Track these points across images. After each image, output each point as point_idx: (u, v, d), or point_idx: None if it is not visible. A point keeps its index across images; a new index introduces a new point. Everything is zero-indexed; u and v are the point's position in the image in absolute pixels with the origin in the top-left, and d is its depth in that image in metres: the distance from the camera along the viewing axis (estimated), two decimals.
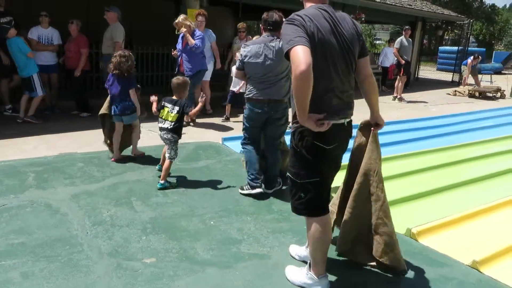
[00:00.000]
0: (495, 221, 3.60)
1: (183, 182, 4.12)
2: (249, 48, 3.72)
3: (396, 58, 10.87)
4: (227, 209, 3.58)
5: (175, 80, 4.07)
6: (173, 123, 3.94)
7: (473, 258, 2.86)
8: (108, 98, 4.50)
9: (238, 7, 10.68)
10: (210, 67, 7.00)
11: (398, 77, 10.47)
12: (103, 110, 4.53)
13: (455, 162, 5.17)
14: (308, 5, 2.30)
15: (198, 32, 6.24)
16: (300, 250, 2.84)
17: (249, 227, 3.27)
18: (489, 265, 2.86)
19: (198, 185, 4.06)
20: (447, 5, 27.42)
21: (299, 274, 2.55)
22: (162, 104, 4.04)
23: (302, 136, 2.24)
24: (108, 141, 4.66)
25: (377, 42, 42.75)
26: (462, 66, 13.91)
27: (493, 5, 39.31)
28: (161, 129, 4.01)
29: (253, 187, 3.83)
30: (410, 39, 10.73)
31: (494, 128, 7.57)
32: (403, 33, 10.64)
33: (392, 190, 4.07)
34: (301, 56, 1.94)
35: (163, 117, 4.01)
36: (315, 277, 2.44)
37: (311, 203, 2.34)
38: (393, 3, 13.27)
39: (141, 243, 2.93)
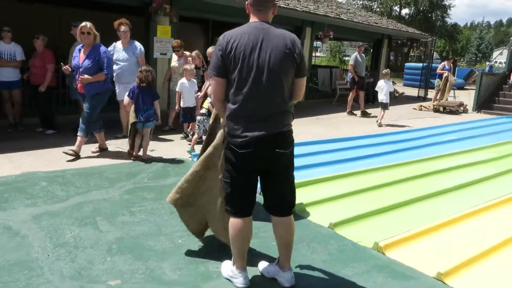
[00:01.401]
0: (460, 232, 3.69)
1: (151, 200, 4.04)
2: None
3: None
4: None
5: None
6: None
7: (438, 270, 2.91)
8: (133, 108, 5.23)
9: (208, 24, 10.76)
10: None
11: (351, 92, 10.69)
12: (133, 119, 5.23)
13: (421, 175, 5.29)
14: (250, 21, 2.50)
15: (103, 48, 5.20)
16: (269, 267, 2.82)
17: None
18: (454, 276, 2.92)
19: (167, 203, 3.98)
20: (412, 23, 28.48)
21: (226, 267, 2.78)
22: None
23: (226, 137, 2.56)
24: (132, 145, 5.40)
25: (346, 58, 43.85)
26: (436, 81, 14.00)
27: (455, 24, 41.09)
28: (202, 115, 5.68)
29: None
30: (364, 55, 11.02)
31: (458, 141, 7.82)
32: (357, 49, 10.92)
33: (360, 204, 4.17)
34: (213, 87, 2.50)
35: (205, 107, 5.61)
36: (236, 271, 2.66)
37: (227, 202, 2.62)
38: (360, 21, 13.66)
39: (106, 264, 2.84)
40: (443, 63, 13.79)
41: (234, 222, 2.58)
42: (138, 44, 6.26)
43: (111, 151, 5.71)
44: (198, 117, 5.83)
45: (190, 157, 5.59)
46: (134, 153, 5.40)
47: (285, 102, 2.47)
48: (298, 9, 11.05)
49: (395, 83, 13.16)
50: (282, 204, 2.62)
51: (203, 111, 5.69)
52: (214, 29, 15.99)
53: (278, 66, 2.38)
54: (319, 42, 13.70)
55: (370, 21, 14.90)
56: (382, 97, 9.36)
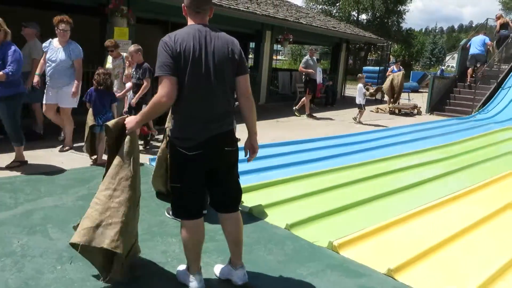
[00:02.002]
0: (410, 229, 3.84)
1: None
2: None
3: (321, 77, 11.64)
4: (152, 231, 3.48)
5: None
6: None
7: (388, 267, 3.01)
8: (90, 111, 5.16)
9: (167, 26, 10.64)
10: (71, 90, 5.60)
11: (305, 95, 10.92)
12: (91, 122, 5.14)
13: (375, 176, 5.46)
14: (188, 23, 2.50)
15: (13, 46, 4.55)
16: (223, 269, 2.84)
17: (174, 249, 3.20)
18: (403, 272, 3.03)
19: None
20: (369, 28, 29.33)
21: (181, 272, 2.75)
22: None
23: (171, 143, 2.51)
24: (89, 149, 5.29)
25: (316, 61, 44.62)
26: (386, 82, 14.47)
27: (410, 29, 42.67)
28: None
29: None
30: (315, 59, 11.28)
31: (412, 142, 8.13)
32: (308, 53, 11.18)
33: (317, 205, 4.25)
34: (166, 88, 2.32)
35: None
36: (190, 274, 2.65)
37: (175, 206, 2.62)
38: (319, 26, 13.95)
39: (56, 273, 2.74)
40: (391, 66, 14.32)
41: (188, 225, 2.57)
42: (76, 46, 5.72)
43: (67, 155, 5.54)
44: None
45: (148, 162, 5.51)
46: (95, 157, 5.32)
47: (230, 102, 2.54)
48: (258, 12, 11.14)
49: (369, 85, 13.51)
50: (231, 200, 2.68)
51: None
52: (173, 31, 15.87)
53: (222, 67, 2.43)
54: (281, 46, 13.84)
55: (329, 25, 15.24)
56: (358, 98, 10.22)
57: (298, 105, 10.97)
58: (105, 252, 2.55)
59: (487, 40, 13.74)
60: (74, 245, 2.48)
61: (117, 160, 2.53)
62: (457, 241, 3.64)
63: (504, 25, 14.49)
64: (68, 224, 3.47)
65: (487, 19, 16.34)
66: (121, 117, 2.64)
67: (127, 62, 6.37)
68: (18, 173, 4.67)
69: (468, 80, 13.86)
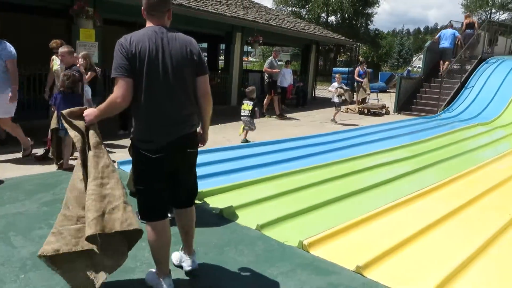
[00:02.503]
0: (378, 227, 3.92)
1: None
2: None
3: (292, 78, 11.91)
4: None
5: (247, 89, 7.91)
6: (249, 111, 7.44)
7: (357, 264, 3.07)
8: (55, 114, 4.99)
9: (134, 28, 10.50)
10: (4, 98, 5.14)
11: (268, 96, 11.05)
12: (54, 125, 5.02)
13: (344, 175, 5.54)
14: (146, 25, 2.52)
15: None
16: (176, 254, 2.98)
17: (144, 253, 3.15)
18: (372, 268, 3.09)
19: None
20: (338, 30, 29.79)
21: (150, 276, 2.74)
22: (243, 102, 7.69)
23: (134, 145, 2.53)
24: (55, 154, 5.18)
25: (279, 63, 44.91)
26: (356, 84, 14.78)
27: (378, 30, 43.59)
28: (243, 115, 7.48)
29: None
30: (277, 61, 11.46)
31: (380, 141, 8.30)
32: (272, 54, 11.32)
33: (287, 205, 4.27)
34: (121, 89, 2.34)
35: (244, 109, 7.52)
36: (159, 277, 2.64)
37: (141, 208, 2.61)
38: (289, 27, 14.07)
39: (19, 282, 2.66)
40: (357, 68, 14.58)
41: (155, 227, 2.55)
42: (8, 45, 5.19)
43: (31, 160, 5.38)
44: (243, 118, 7.55)
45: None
46: (60, 162, 5.19)
47: (192, 104, 2.55)
48: (227, 14, 11.13)
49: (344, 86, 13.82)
50: (189, 197, 2.80)
51: (246, 113, 7.48)
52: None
53: (181, 68, 2.45)
54: (251, 47, 13.87)
55: (298, 27, 15.40)
56: (334, 98, 10.75)
57: (264, 107, 11.04)
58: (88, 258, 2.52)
59: (457, 34, 14.24)
60: (90, 238, 2.39)
61: (91, 152, 2.51)
62: (423, 236, 3.74)
63: (470, 25, 15.00)
64: (32, 231, 3.38)
65: (450, 21, 16.88)
66: (78, 107, 2.62)
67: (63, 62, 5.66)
68: None
69: (441, 71, 14.35)
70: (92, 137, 2.50)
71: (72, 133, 2.53)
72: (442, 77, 13.90)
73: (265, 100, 11.04)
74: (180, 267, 2.94)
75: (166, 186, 2.60)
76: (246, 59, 13.57)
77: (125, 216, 2.41)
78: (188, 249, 2.88)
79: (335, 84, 11.07)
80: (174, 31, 2.51)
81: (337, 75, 11.85)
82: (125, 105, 2.38)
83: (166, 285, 2.61)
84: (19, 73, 5.46)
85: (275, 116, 10.92)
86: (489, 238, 3.71)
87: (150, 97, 2.39)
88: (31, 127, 6.34)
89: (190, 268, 2.86)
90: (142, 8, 2.52)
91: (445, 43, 14.07)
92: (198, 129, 2.71)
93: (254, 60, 42.83)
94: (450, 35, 14.07)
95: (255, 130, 7.64)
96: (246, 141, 7.43)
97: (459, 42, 14.26)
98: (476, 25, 15.08)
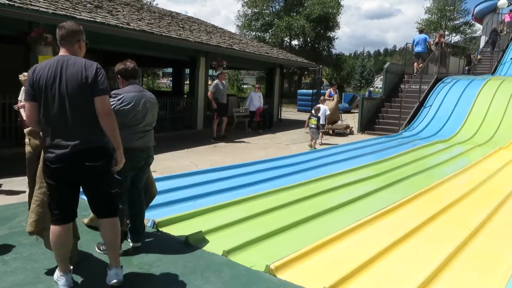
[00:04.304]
0: (344, 247, 3.94)
1: (29, 246, 3.66)
2: (123, 97, 3.56)
3: (262, 102, 12.15)
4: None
5: (314, 107, 10.44)
6: (315, 124, 9.90)
7: (324, 286, 3.05)
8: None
9: (99, 53, 10.38)
10: None
11: (214, 119, 11.01)
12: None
13: (309, 196, 5.56)
14: (59, 53, 2.93)
15: None
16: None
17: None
18: None
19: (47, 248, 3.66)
20: (302, 53, 30.50)
21: (55, 272, 3.03)
22: (310, 116, 10.11)
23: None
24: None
25: (245, 86, 45.34)
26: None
27: (340, 53, 44.94)
28: (311, 127, 9.99)
29: None
30: (224, 83, 11.53)
31: (345, 161, 8.44)
32: (218, 77, 11.37)
33: (253, 229, 4.24)
34: (26, 112, 2.88)
35: (311, 123, 9.91)
36: (59, 273, 2.96)
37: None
38: (252, 51, 14.28)
39: None
40: (329, 90, 14.94)
41: (53, 229, 2.90)
42: None
43: None
44: (311, 130, 10.04)
45: None
46: None
47: (89, 123, 2.84)
48: (191, 39, 11.20)
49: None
50: (101, 208, 3.03)
51: (313, 126, 10.00)
52: (106, 59, 15.47)
53: (76, 92, 2.78)
54: (215, 72, 13.95)
55: (262, 51, 15.66)
56: (321, 119, 10.88)
57: (213, 132, 10.97)
58: None
59: (428, 39, 15.97)
60: (31, 233, 3.18)
61: (40, 164, 3.03)
62: (389, 254, 3.78)
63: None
64: None
65: (406, 44, 17.66)
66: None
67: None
68: None
69: (415, 72, 15.72)
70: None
71: (28, 148, 3.14)
72: (413, 80, 15.04)
73: (213, 124, 11.00)
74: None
75: (67, 196, 2.92)
76: (211, 83, 13.60)
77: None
78: (112, 262, 3.04)
79: (325, 108, 11.45)
80: (76, 58, 2.86)
81: (321, 98, 12.76)
82: (32, 123, 2.89)
83: (65, 280, 2.92)
84: None
85: (212, 140, 10.83)
86: (452, 252, 3.80)
87: (49, 118, 2.79)
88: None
89: (113, 281, 2.99)
90: (59, 35, 2.94)
91: (419, 48, 15.79)
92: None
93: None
94: (422, 40, 15.72)
95: (317, 139, 10.27)
96: (315, 148, 9.82)
97: (431, 46, 15.84)
98: (434, 44, 16.15)
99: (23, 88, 5.98)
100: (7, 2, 6.83)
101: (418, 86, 15.16)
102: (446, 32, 42.30)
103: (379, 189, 6.19)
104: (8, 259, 3.39)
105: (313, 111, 10.42)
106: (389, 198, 5.67)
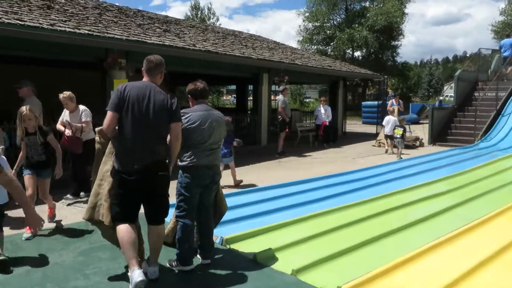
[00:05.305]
0: (421, 268, 3.70)
1: (107, 260, 3.85)
2: (190, 116, 3.68)
3: (329, 117, 12.59)
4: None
5: (399, 117, 11.02)
6: (400, 135, 10.51)
7: None
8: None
9: (167, 75, 10.87)
10: None
11: (281, 133, 10.91)
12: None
13: (381, 213, 5.34)
14: (143, 80, 3.45)
15: None
16: (144, 264, 3.47)
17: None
18: None
19: (124, 262, 3.82)
20: (365, 65, 29.84)
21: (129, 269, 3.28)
22: (394, 128, 10.72)
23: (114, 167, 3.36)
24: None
25: (307, 100, 45.12)
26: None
27: (405, 62, 43.32)
28: (395, 138, 10.73)
29: (187, 264, 3.66)
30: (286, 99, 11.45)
31: (417, 175, 8.04)
32: (282, 93, 11.25)
33: (322, 247, 4.13)
34: (107, 120, 3.28)
35: (396, 133, 10.61)
36: (131, 269, 3.19)
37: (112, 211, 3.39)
38: (314, 65, 14.22)
39: None
40: (391, 100, 14.42)
41: (120, 229, 3.29)
42: None
43: (70, 209, 5.49)
44: (396, 140, 10.68)
45: None
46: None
47: (160, 140, 3.34)
48: (254, 56, 11.39)
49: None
50: (157, 215, 3.47)
51: (398, 136, 10.57)
52: (173, 80, 16.17)
53: (159, 113, 3.28)
54: (278, 87, 14.04)
55: (324, 64, 15.54)
56: (388, 130, 11.16)
57: (279, 147, 10.92)
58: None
59: None
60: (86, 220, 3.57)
61: (104, 158, 3.53)
62: (466, 281, 3.46)
63: None
64: (68, 283, 3.39)
65: (479, 49, 16.64)
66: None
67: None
68: (19, 231, 4.60)
69: (507, 74, 15.36)
70: (108, 147, 3.49)
71: (97, 145, 3.61)
72: (489, 87, 14.38)
73: (281, 139, 10.94)
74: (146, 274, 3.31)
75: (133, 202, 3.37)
76: (274, 99, 13.68)
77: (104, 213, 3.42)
78: (153, 262, 3.46)
79: (395, 119, 11.16)
80: (160, 88, 3.36)
81: (390, 109, 12.40)
82: (107, 132, 3.33)
83: (137, 274, 3.10)
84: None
85: (276, 154, 10.76)
86: None
87: (124, 128, 3.25)
88: None
89: (153, 277, 3.38)
90: (143, 68, 3.46)
91: (506, 52, 15.60)
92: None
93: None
94: (510, 44, 15.48)
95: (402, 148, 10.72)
96: (400, 158, 10.24)
97: None
98: None
99: (65, 109, 6.12)
100: (87, 31, 7.40)
101: (494, 94, 14.17)
102: None
103: (455, 206, 5.80)
104: (88, 273, 3.58)
105: (384, 122, 11.15)
106: (466, 215, 5.29)
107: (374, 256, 3.94)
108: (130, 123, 3.23)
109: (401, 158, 10.29)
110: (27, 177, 4.59)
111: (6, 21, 6.28)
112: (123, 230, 3.27)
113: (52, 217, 4.88)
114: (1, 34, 6.23)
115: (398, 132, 10.64)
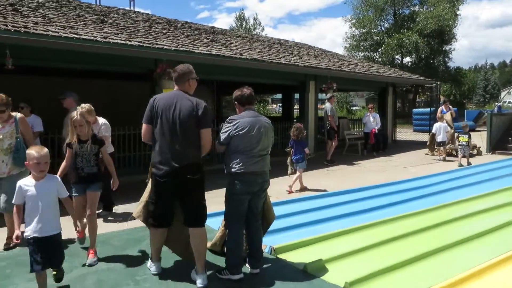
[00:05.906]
0: (483, 286, 3.42)
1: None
2: (238, 122, 3.65)
3: (378, 124, 12.21)
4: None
5: (462, 124, 11.15)
6: (466, 142, 10.16)
7: None
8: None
9: (213, 84, 11.02)
10: None
11: (330, 141, 10.65)
12: None
13: (438, 224, 5.04)
14: (174, 89, 3.61)
15: None
16: (192, 272, 3.59)
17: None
18: None
19: (173, 269, 3.83)
20: (415, 70, 28.87)
21: (149, 261, 3.83)
22: (459, 135, 10.56)
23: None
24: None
25: (354, 108, 44.27)
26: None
27: (458, 68, 41.51)
28: (460, 145, 10.40)
29: (235, 273, 3.59)
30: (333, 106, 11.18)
31: (476, 185, 7.57)
32: (330, 101, 10.96)
33: (375, 259, 3.93)
34: (143, 131, 3.57)
35: (461, 140, 10.35)
36: (151, 262, 3.77)
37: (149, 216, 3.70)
38: (362, 72, 13.89)
39: None
40: (440, 107, 13.75)
41: (153, 231, 3.70)
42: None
43: (119, 213, 5.61)
44: (461, 147, 10.39)
45: None
46: None
47: (191, 144, 3.45)
48: (300, 64, 11.29)
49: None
50: (195, 218, 3.53)
51: (463, 143, 10.29)
52: (220, 89, 16.40)
53: (186, 119, 3.42)
54: (325, 95, 13.84)
55: (373, 70, 15.15)
56: (441, 136, 11.33)
57: (328, 155, 10.71)
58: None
59: None
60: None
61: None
62: None
63: None
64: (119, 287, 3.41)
65: None
66: None
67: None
68: (74, 236, 4.74)
69: None
70: None
71: None
72: None
73: (331, 147, 10.73)
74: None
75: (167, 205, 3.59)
76: (320, 107, 13.48)
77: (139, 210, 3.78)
78: (199, 269, 3.47)
79: (440, 125, 11.42)
80: (189, 95, 3.52)
81: (439, 115, 12.32)
82: (145, 140, 3.61)
83: (156, 267, 3.71)
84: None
85: (328, 162, 10.56)
86: None
87: (160, 137, 3.45)
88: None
89: (201, 285, 3.41)
90: (174, 77, 3.62)
91: None
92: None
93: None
94: None
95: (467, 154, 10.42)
96: (461, 165, 10.03)
97: None
98: None
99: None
100: (137, 43, 7.63)
101: None
102: None
103: None
104: (139, 280, 3.60)
105: (434, 129, 10.97)
106: None
107: (429, 272, 3.68)
108: (160, 130, 3.44)
109: (462, 165, 10.07)
110: (78, 199, 4.03)
111: (64, 35, 6.59)
112: (154, 233, 3.69)
113: (81, 238, 4.32)
114: (58, 48, 6.55)
115: (464, 139, 10.38)
